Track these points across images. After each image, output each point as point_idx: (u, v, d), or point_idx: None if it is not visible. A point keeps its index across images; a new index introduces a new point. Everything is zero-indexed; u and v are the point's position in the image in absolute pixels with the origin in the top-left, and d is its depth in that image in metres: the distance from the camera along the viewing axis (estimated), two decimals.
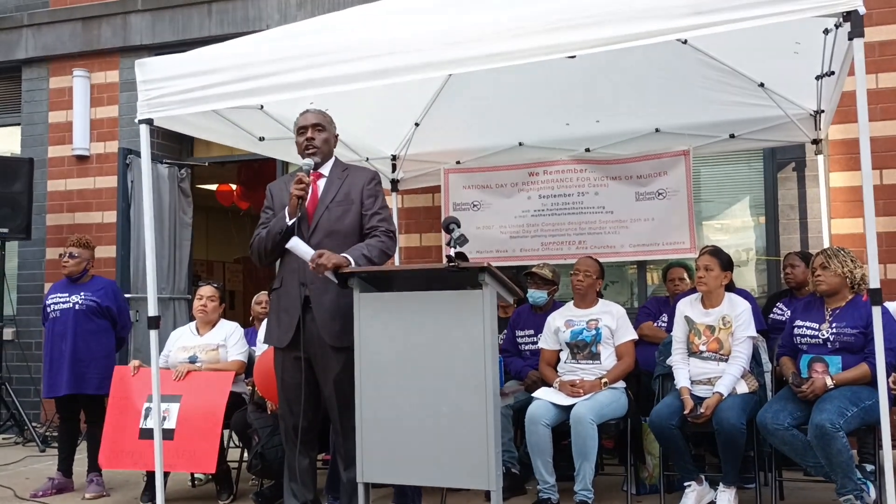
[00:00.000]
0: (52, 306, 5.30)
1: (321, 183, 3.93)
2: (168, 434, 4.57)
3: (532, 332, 5.18)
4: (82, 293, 5.28)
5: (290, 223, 3.77)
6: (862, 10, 3.01)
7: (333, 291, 3.69)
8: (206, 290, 5.29)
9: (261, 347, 5.12)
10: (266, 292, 5.81)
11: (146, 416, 4.79)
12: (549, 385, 4.65)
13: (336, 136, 4.04)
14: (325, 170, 3.96)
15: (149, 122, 4.13)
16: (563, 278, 5.52)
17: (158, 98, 4.07)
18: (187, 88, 3.99)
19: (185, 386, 4.85)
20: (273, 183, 4.11)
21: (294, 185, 3.74)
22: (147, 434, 4.65)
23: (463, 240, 3.45)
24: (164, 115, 4.12)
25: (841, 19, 3.09)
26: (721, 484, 4.21)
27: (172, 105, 4.06)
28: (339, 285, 3.59)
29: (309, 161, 3.84)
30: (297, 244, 3.67)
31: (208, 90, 3.95)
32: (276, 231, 3.80)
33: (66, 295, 5.29)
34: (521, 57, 3.37)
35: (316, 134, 3.92)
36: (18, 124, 8.30)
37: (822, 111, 5.29)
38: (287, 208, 3.78)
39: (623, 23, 3.21)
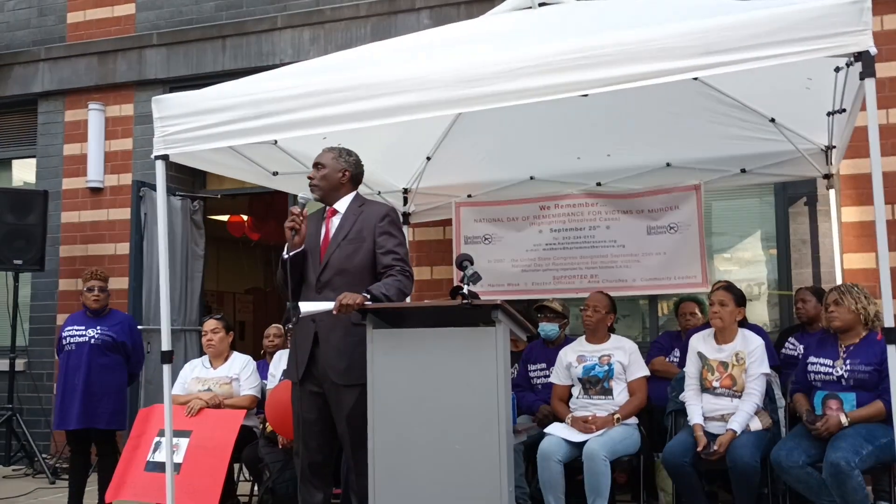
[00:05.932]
0: (67, 338, 5.32)
1: (335, 220, 3.96)
2: (174, 468, 4.56)
3: (544, 365, 5.17)
4: (99, 327, 5.31)
5: (286, 256, 3.82)
6: (873, 51, 3.01)
7: (341, 329, 3.71)
8: (209, 324, 5.38)
9: (272, 381, 5.13)
10: (276, 325, 5.83)
11: (155, 450, 4.80)
12: (561, 420, 4.64)
13: (346, 172, 3.99)
14: (341, 206, 3.98)
15: (165, 158, 4.14)
16: (573, 309, 5.50)
17: (175, 134, 4.08)
18: (203, 125, 4.00)
19: (196, 422, 4.86)
20: None
21: (288, 219, 3.81)
22: (153, 467, 4.67)
23: (476, 277, 3.45)
24: (180, 152, 4.14)
25: (852, 59, 3.11)
26: None
27: (188, 141, 4.06)
28: (358, 323, 3.60)
29: (305, 195, 3.90)
30: (309, 307, 3.67)
31: (224, 127, 3.95)
32: (280, 266, 3.88)
33: (83, 328, 5.31)
34: (534, 95, 3.37)
35: (314, 172, 3.98)
36: (34, 156, 8.36)
37: (834, 147, 5.29)
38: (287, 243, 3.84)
39: (636, 62, 3.21)
